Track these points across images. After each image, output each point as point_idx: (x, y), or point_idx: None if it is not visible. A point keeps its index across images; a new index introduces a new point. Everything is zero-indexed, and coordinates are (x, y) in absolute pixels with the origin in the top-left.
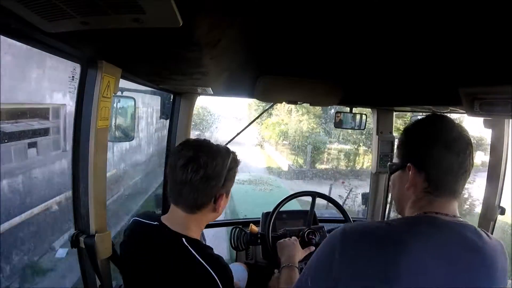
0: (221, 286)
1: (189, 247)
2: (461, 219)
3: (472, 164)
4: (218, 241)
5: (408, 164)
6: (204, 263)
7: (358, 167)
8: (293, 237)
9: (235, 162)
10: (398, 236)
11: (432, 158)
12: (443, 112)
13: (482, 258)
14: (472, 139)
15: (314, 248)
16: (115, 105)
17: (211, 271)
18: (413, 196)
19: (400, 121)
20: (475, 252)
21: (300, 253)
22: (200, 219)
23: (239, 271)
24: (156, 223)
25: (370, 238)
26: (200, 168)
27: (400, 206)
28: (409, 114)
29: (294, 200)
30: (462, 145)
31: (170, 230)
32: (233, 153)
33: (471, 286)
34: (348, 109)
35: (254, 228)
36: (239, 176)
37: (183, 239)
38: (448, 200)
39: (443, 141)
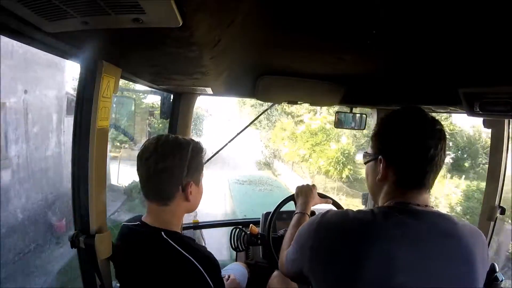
0: (206, 276)
1: (169, 240)
2: (434, 209)
3: (444, 159)
4: (218, 241)
5: (380, 157)
6: (186, 255)
7: None
8: (312, 184)
9: (197, 150)
10: (368, 226)
11: (402, 152)
12: (442, 112)
13: (458, 245)
14: None
15: (331, 200)
16: (115, 105)
17: (195, 261)
18: (385, 187)
19: None
20: (450, 240)
21: (316, 201)
22: (174, 210)
23: (239, 271)
24: (137, 223)
25: (342, 228)
26: (159, 160)
27: (374, 196)
28: None
29: None
30: (434, 139)
31: (149, 227)
32: (194, 141)
33: (447, 273)
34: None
35: (254, 228)
36: (239, 176)
37: (162, 233)
38: (418, 192)
39: (415, 136)
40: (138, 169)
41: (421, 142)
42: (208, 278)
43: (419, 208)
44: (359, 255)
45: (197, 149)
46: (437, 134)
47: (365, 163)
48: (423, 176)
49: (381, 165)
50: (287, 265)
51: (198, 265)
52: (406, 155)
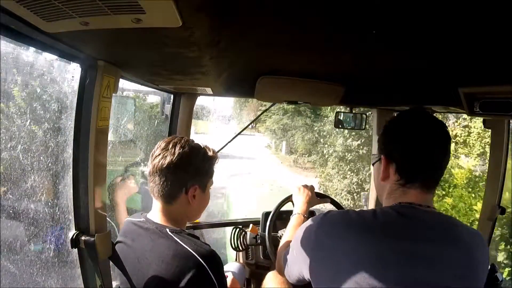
0: (210, 272)
1: (174, 237)
2: (436, 210)
3: (448, 161)
4: (218, 241)
5: (382, 156)
6: (191, 251)
7: None
8: (310, 185)
9: (209, 156)
10: (368, 225)
11: (401, 151)
12: (442, 112)
13: (458, 248)
14: None
15: (330, 200)
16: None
17: (199, 258)
18: (387, 187)
19: None
20: (450, 242)
21: (314, 201)
22: (178, 211)
23: (238, 270)
24: (142, 219)
25: (343, 226)
26: (167, 157)
27: (379, 197)
28: None
29: None
30: (437, 141)
31: (154, 223)
32: (208, 148)
33: (446, 275)
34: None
35: (254, 228)
36: (239, 176)
37: (167, 229)
38: (421, 191)
39: (415, 136)
40: (148, 166)
41: (423, 142)
42: (211, 274)
43: (421, 209)
44: (358, 251)
45: (209, 154)
46: (441, 136)
47: (372, 165)
48: (424, 177)
49: (382, 164)
50: (287, 270)
51: (202, 261)
52: (405, 153)
